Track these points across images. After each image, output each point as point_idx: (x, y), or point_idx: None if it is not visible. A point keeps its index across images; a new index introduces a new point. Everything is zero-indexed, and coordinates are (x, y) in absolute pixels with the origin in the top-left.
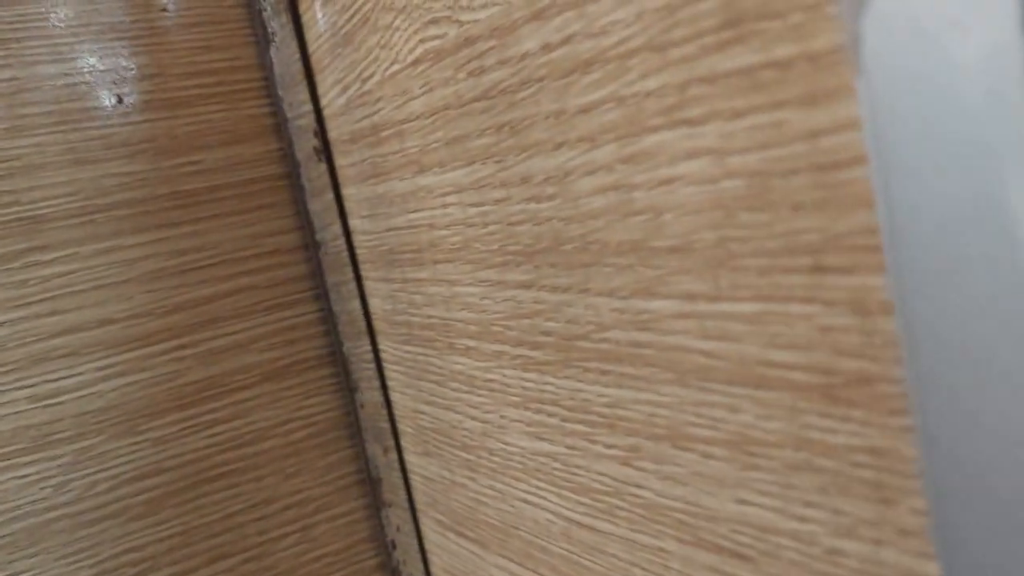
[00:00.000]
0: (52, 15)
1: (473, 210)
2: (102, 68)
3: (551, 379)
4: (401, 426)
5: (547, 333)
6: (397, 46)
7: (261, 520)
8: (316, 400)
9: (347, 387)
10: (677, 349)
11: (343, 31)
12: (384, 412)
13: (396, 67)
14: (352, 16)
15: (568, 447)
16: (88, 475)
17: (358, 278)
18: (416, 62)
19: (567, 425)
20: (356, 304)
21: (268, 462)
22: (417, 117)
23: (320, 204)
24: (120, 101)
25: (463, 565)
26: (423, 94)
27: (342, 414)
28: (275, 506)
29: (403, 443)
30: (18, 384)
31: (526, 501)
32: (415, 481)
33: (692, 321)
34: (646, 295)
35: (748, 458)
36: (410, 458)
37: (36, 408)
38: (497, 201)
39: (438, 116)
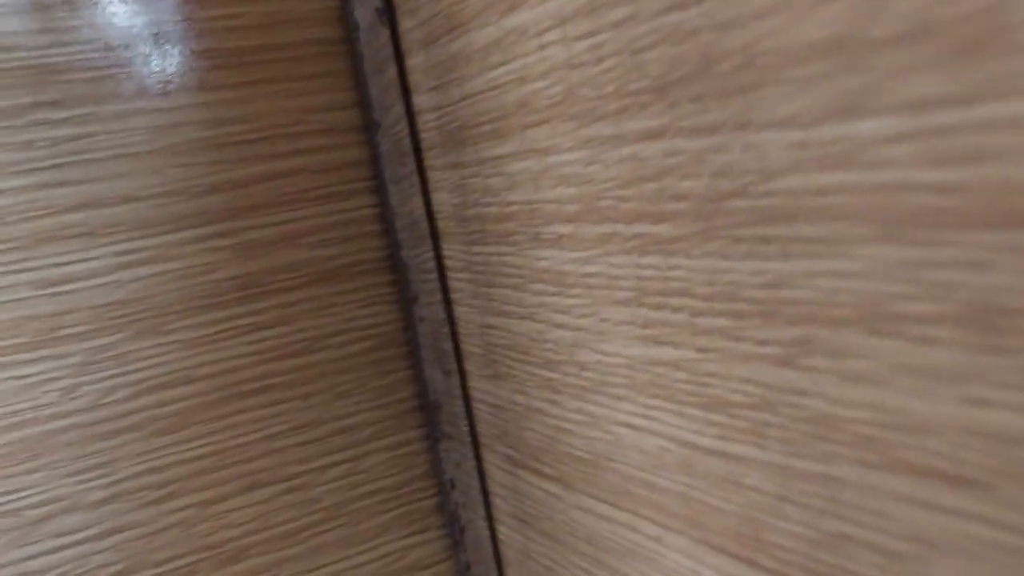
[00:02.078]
0: None
1: (582, 44)
2: None
3: (682, 260)
4: (466, 346)
5: (681, 197)
6: None
7: (306, 445)
8: (371, 310)
9: (405, 298)
10: (890, 188)
11: None
12: (446, 330)
13: None
14: None
15: (699, 350)
16: (104, 379)
17: (420, 170)
18: None
19: (700, 321)
20: (418, 202)
21: (316, 378)
22: None
23: (381, 78)
24: None
25: (537, 508)
26: None
27: (399, 329)
28: (322, 430)
29: (467, 366)
30: (20, 266)
31: (629, 425)
32: (480, 410)
33: (920, 143)
34: (847, 114)
35: (994, 337)
36: (475, 383)
37: (41, 296)
38: (616, 24)
39: None
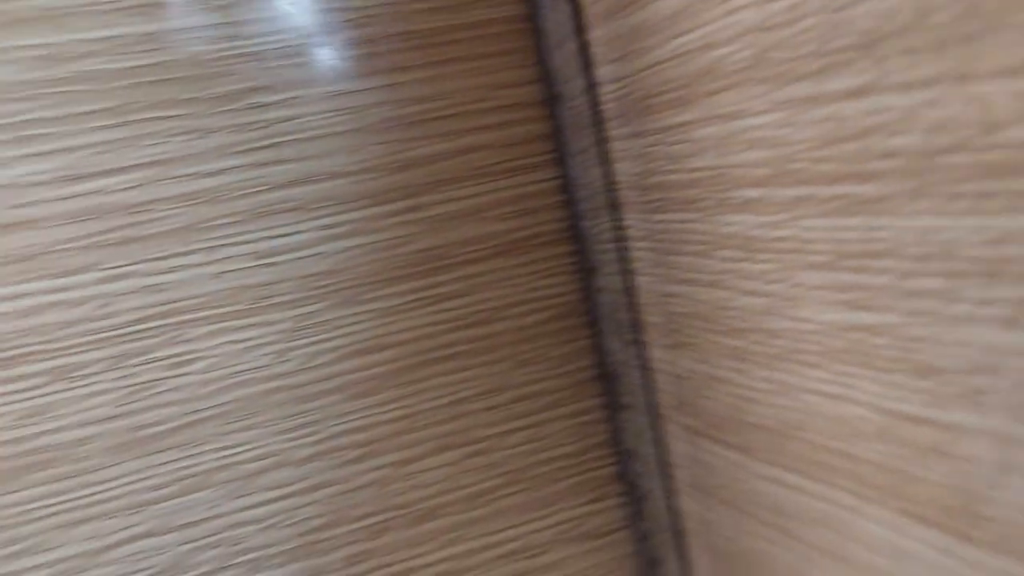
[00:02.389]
0: None
1: (777, 5)
2: None
3: (889, 221)
4: (645, 316)
5: (890, 155)
6: None
7: (490, 411)
8: (551, 281)
9: (585, 269)
10: None
11: None
12: (625, 300)
13: None
14: None
15: (908, 314)
16: (309, 345)
17: (601, 142)
18: None
19: (908, 283)
20: (598, 173)
21: (499, 346)
22: None
23: (562, 52)
24: None
25: (718, 477)
26: None
27: (578, 299)
28: (505, 396)
29: (647, 336)
30: (238, 239)
31: (821, 393)
32: (660, 380)
33: None
34: None
35: None
36: (655, 353)
37: (256, 267)
38: None
39: None
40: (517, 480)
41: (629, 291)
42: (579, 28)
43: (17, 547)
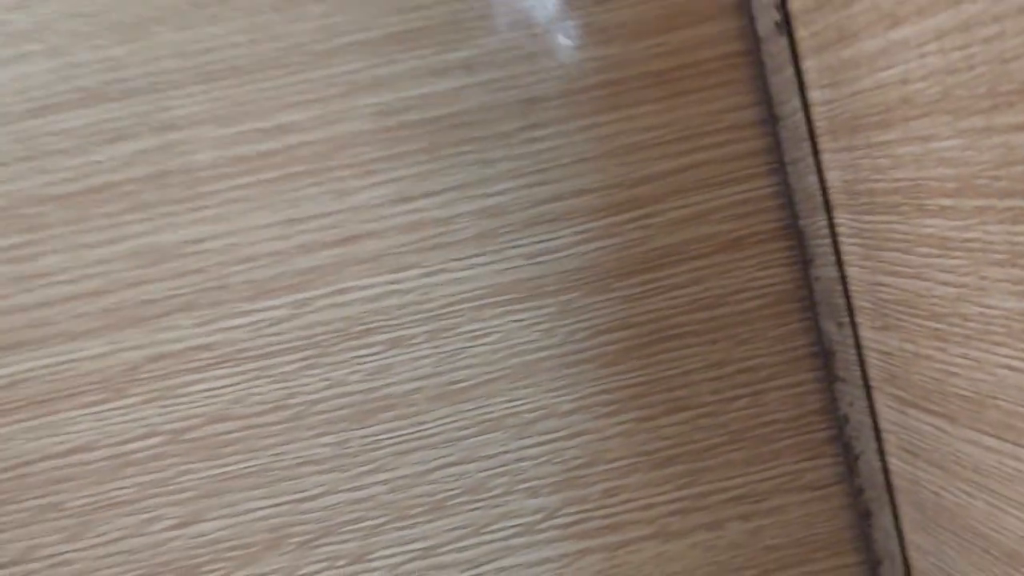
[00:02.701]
0: None
1: (956, 55)
2: None
3: None
4: (857, 301)
5: None
6: None
7: (715, 380)
8: (769, 272)
9: (801, 261)
10: None
11: None
12: (839, 287)
13: None
14: None
15: None
16: (568, 324)
17: (815, 152)
18: None
19: None
20: (813, 179)
21: (722, 327)
22: None
23: (779, 78)
24: None
25: (924, 441)
26: None
27: (795, 287)
28: (728, 369)
29: (858, 319)
30: (515, 243)
31: (1010, 367)
32: (870, 357)
33: None
34: None
35: None
36: (865, 333)
37: (529, 264)
38: (987, 39)
39: None
40: (741, 439)
41: (842, 280)
42: (794, 58)
43: (369, 467)
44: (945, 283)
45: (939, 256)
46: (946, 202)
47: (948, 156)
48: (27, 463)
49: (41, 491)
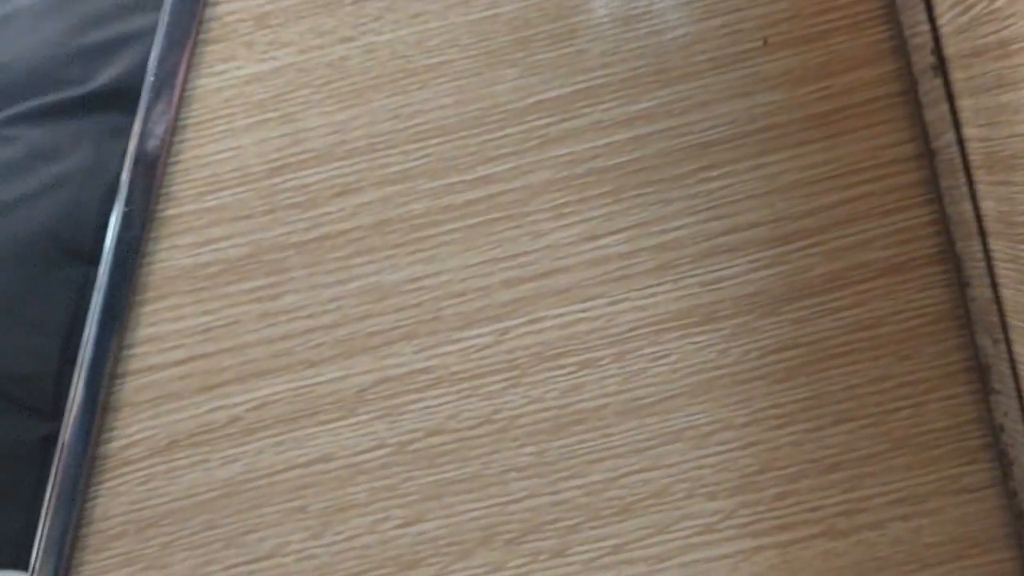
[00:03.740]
0: None
1: None
2: (751, 17)
3: None
4: (1011, 320)
5: None
6: None
7: (878, 394)
8: (928, 293)
9: (958, 283)
10: None
11: None
12: (994, 307)
13: None
14: None
15: None
16: (742, 345)
17: (970, 183)
18: None
19: None
20: (968, 206)
21: (884, 345)
22: None
23: (935, 114)
24: (765, 42)
25: None
26: None
27: (952, 307)
28: (890, 383)
29: (1012, 336)
30: (692, 272)
31: None
32: (1023, 372)
33: None
34: None
35: None
36: (1019, 350)
37: (705, 291)
38: None
39: None
40: (903, 446)
41: (997, 300)
42: (949, 96)
43: (565, 474)
44: None
45: None
46: None
47: None
48: (276, 472)
49: (289, 496)
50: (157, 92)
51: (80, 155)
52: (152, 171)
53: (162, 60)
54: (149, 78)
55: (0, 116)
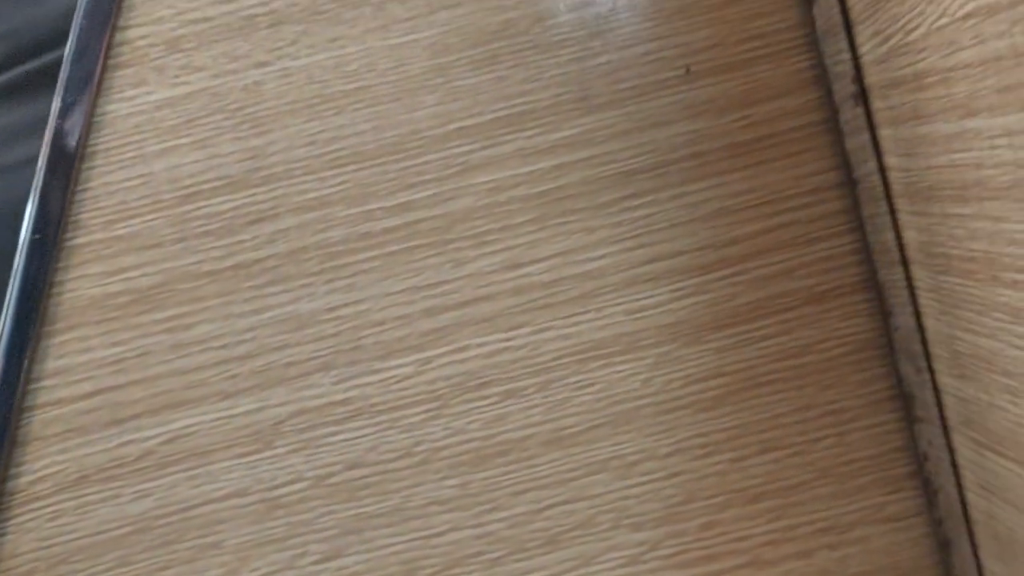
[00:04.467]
0: (638, 3)
1: None
2: (674, 45)
3: None
4: (934, 350)
5: None
6: (945, 2)
7: (802, 423)
8: (852, 322)
9: (881, 312)
10: None
11: None
12: (917, 336)
13: (944, 20)
14: None
15: None
16: (666, 374)
17: (892, 211)
18: (967, 16)
19: None
20: (890, 235)
21: (808, 374)
22: (965, 66)
23: (856, 143)
24: (688, 71)
25: (999, 481)
26: (974, 45)
27: (875, 336)
28: (814, 412)
29: (935, 365)
30: (616, 301)
31: None
32: (947, 401)
33: None
34: None
35: None
36: (943, 379)
37: (629, 319)
38: None
39: (988, 66)
40: (828, 475)
41: (920, 329)
42: (870, 125)
43: (489, 506)
44: (1018, 347)
45: (1012, 323)
46: (1019, 276)
47: (1019, 238)
48: (190, 507)
49: (202, 531)
50: (64, 118)
51: None
52: (59, 199)
53: (69, 85)
54: (56, 103)
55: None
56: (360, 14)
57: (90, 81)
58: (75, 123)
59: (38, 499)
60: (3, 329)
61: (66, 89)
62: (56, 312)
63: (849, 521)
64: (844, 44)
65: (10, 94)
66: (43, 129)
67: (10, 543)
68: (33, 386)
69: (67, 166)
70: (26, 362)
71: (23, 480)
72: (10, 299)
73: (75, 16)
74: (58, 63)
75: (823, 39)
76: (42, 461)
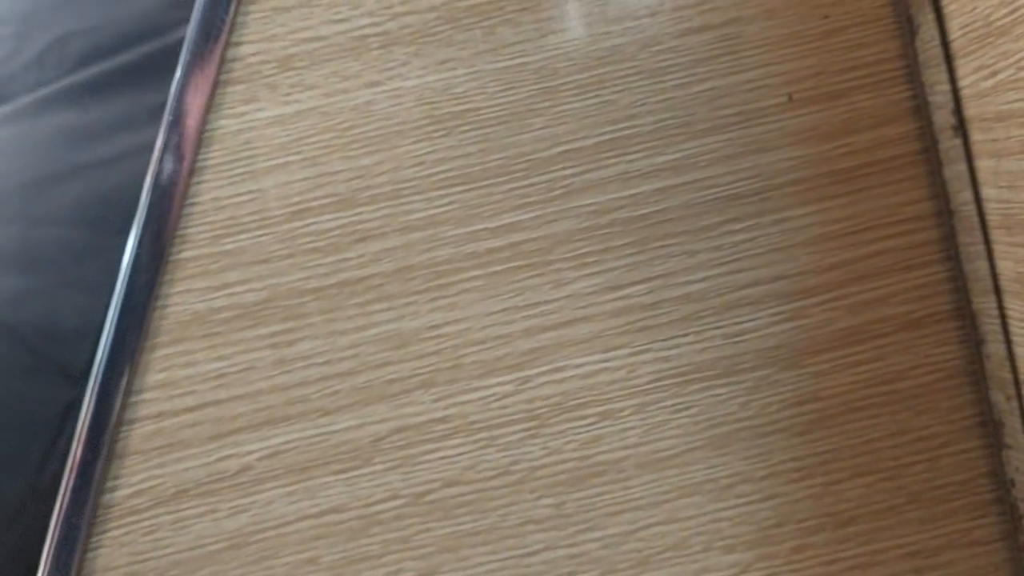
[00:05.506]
0: (743, 32)
1: None
2: (777, 73)
3: None
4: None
5: None
6: None
7: (895, 448)
8: (944, 349)
9: (973, 340)
10: None
11: (997, 24)
12: (1008, 364)
13: None
14: (1013, 12)
15: None
16: (763, 397)
17: (987, 241)
18: None
19: None
20: (984, 265)
21: (901, 400)
22: None
23: (953, 173)
24: (790, 98)
25: None
26: None
27: (967, 363)
28: (906, 437)
29: None
30: (716, 325)
31: None
32: None
33: None
34: None
35: None
36: None
37: (728, 343)
38: None
39: None
40: (917, 500)
41: (1011, 358)
42: (968, 157)
43: (583, 526)
44: None
45: None
46: None
47: None
48: (287, 523)
49: (299, 548)
50: (174, 132)
51: (155, 128)
52: (168, 214)
53: (180, 99)
54: (167, 117)
55: (84, 76)
56: (470, 37)
57: (201, 96)
58: (185, 138)
59: (134, 513)
60: (105, 341)
61: (177, 103)
62: (160, 326)
63: (936, 545)
64: (944, 76)
65: (94, 91)
66: (122, 129)
67: (104, 556)
68: (134, 399)
69: (175, 181)
70: (126, 375)
71: (119, 494)
72: (114, 312)
73: (188, 29)
74: (138, 61)
75: (923, 71)
76: (140, 475)
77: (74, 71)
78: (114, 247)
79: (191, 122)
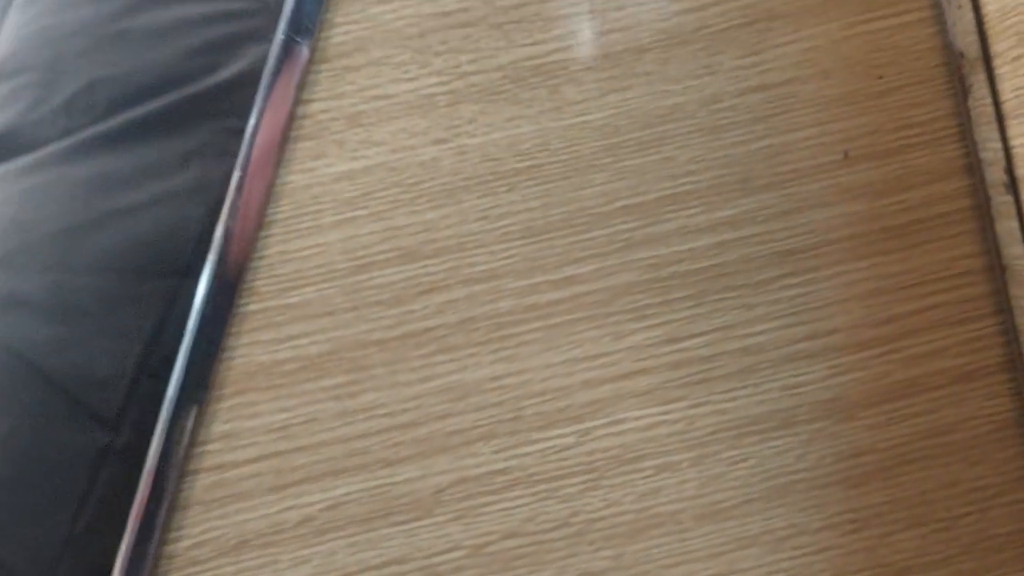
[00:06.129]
0: (799, 91)
1: None
2: (833, 131)
3: None
4: None
5: None
6: None
7: (948, 499)
8: (996, 401)
9: (1022, 393)
10: None
11: None
12: None
13: None
14: None
15: None
16: (819, 449)
17: None
18: None
19: None
20: None
21: (954, 451)
22: None
23: (1005, 229)
24: (846, 156)
25: None
26: None
27: (1019, 415)
28: (959, 488)
29: None
30: (773, 377)
31: None
32: None
33: None
34: None
35: None
36: None
37: (785, 395)
38: None
39: None
40: (970, 551)
41: None
42: (1019, 214)
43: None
44: None
45: None
46: None
47: None
48: (348, 574)
49: None
50: (244, 188)
51: (186, 174)
52: (236, 268)
53: (250, 156)
54: (237, 173)
55: (113, 123)
56: (536, 95)
57: (272, 152)
58: (254, 193)
59: (196, 563)
60: (171, 393)
61: (246, 159)
62: (226, 377)
63: None
64: (996, 134)
65: (123, 139)
66: (153, 176)
67: None
68: (198, 450)
69: (244, 236)
70: (190, 425)
71: (182, 544)
72: (181, 364)
73: (260, 85)
74: (167, 109)
75: (975, 129)
76: (202, 526)
77: (103, 119)
78: (147, 294)
79: (261, 177)
